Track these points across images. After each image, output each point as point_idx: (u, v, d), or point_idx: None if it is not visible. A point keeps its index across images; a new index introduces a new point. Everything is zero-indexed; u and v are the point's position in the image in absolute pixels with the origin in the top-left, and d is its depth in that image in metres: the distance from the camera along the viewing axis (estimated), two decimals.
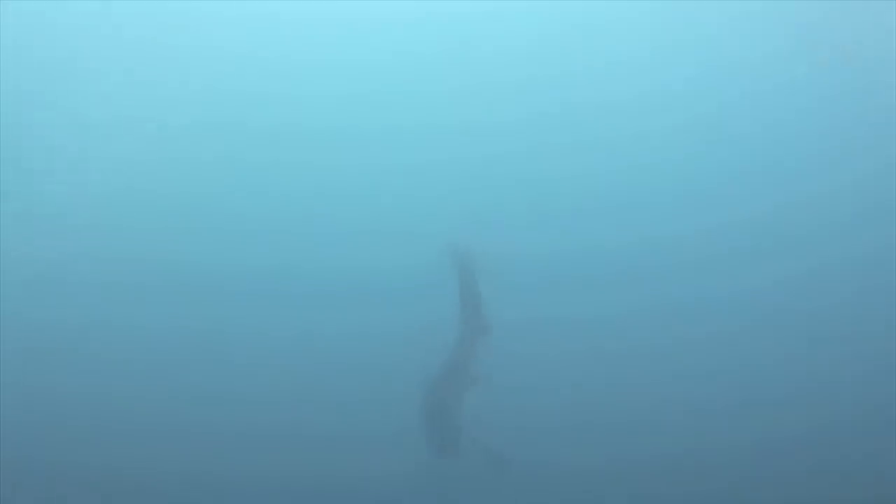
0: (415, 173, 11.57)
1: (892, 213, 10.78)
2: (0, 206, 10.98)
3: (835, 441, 8.76)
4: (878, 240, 10.53)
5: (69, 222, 11.05)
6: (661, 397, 9.23)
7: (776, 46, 13.00)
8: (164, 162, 11.74)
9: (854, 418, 8.94)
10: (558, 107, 12.38)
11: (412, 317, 9.83)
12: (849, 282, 10.20)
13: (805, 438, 8.78)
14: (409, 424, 8.91)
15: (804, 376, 9.36)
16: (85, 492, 8.43)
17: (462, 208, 11.21)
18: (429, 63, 12.72)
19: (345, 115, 12.18)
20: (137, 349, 9.72)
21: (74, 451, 8.79)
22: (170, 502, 8.42)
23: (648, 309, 9.96)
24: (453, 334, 9.57)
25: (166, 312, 10.02)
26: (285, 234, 10.94)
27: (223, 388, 9.32)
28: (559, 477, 8.54)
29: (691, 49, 12.84)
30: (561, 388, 9.30)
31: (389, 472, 8.51)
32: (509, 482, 8.51)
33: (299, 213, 11.17)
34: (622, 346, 9.69)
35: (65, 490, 8.47)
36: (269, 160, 11.78)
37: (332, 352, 9.66)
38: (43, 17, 13.29)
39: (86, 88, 12.42)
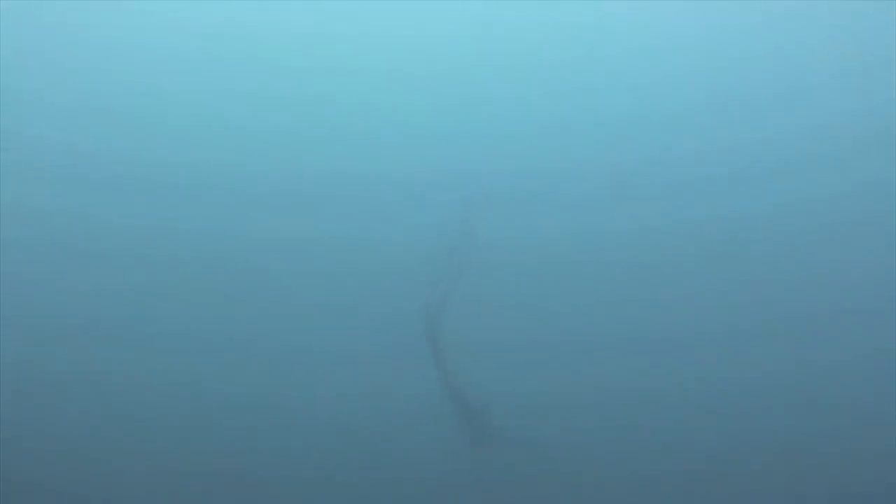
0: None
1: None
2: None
3: (832, 370, 8.72)
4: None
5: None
6: (657, 319, 9.15)
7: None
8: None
9: (853, 342, 8.90)
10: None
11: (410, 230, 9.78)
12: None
13: (804, 365, 8.75)
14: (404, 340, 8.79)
15: (805, 302, 9.34)
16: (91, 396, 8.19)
17: (461, 129, 11.49)
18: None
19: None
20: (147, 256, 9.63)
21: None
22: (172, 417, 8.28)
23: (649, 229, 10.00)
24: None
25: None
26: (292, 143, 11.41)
27: (227, 292, 9.22)
28: (552, 399, 8.43)
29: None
30: (551, 306, 9.24)
31: (389, 389, 8.40)
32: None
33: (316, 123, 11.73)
34: (621, 265, 9.66)
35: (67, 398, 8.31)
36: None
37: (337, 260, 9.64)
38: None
39: None
